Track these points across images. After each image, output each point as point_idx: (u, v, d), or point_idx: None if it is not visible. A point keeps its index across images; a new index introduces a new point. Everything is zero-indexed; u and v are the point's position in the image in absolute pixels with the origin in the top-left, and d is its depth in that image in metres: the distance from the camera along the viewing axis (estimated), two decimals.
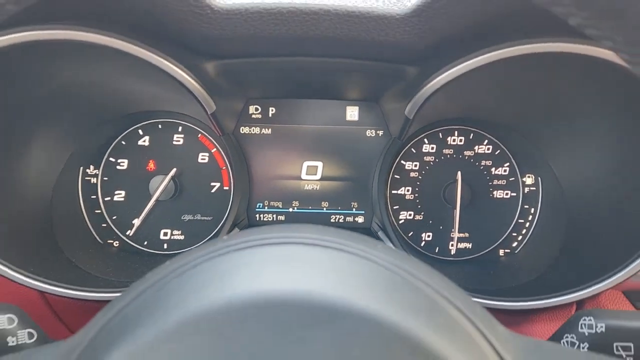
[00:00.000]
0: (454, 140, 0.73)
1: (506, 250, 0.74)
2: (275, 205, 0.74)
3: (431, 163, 0.73)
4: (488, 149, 0.73)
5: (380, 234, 0.71)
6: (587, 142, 0.65)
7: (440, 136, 0.73)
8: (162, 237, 0.73)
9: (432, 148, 0.73)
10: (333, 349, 0.25)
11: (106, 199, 0.73)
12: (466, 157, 0.73)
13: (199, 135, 0.72)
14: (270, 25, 0.50)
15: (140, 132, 0.72)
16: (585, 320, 0.49)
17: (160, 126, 0.72)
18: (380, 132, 0.73)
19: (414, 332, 0.25)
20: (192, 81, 0.55)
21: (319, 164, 0.74)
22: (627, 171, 0.59)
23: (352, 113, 0.73)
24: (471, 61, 0.53)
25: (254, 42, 0.54)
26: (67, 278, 0.59)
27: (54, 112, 0.63)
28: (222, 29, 0.49)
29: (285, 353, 0.24)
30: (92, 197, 0.73)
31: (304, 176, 0.74)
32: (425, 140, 0.73)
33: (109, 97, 0.65)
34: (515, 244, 0.74)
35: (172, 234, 0.73)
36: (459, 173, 0.72)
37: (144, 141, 0.72)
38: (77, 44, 0.49)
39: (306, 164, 0.74)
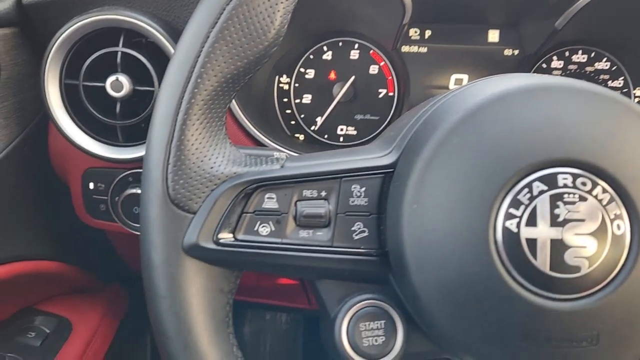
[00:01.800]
0: (577, 58, 0.90)
1: None
2: None
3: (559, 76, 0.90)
4: (606, 65, 0.90)
5: None
6: None
7: (567, 54, 0.90)
8: (338, 132, 0.93)
9: (560, 64, 0.90)
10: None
11: (296, 101, 0.93)
12: (587, 72, 0.90)
13: (371, 51, 0.92)
14: None
15: (325, 48, 0.92)
16: None
17: (340, 44, 0.92)
18: (516, 52, 0.90)
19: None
20: None
21: (465, 77, 0.92)
22: None
23: (494, 35, 0.91)
24: None
25: None
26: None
27: None
28: None
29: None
30: (284, 100, 0.93)
31: (451, 86, 0.92)
32: (554, 57, 0.90)
33: (316, 17, 0.85)
34: None
35: (347, 130, 0.93)
36: None
37: (328, 55, 0.92)
38: None
39: (454, 76, 0.92)
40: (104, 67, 0.74)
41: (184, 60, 0.44)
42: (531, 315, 0.41)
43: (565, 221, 0.40)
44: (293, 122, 0.93)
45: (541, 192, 0.41)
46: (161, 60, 0.74)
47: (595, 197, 0.41)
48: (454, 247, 0.41)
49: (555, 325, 0.41)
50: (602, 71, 0.90)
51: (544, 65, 0.91)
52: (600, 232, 0.40)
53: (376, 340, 0.46)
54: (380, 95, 0.92)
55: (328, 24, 0.89)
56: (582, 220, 0.40)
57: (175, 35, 0.73)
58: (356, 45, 0.92)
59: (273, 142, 0.78)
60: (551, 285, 0.40)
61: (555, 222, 0.40)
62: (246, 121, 0.76)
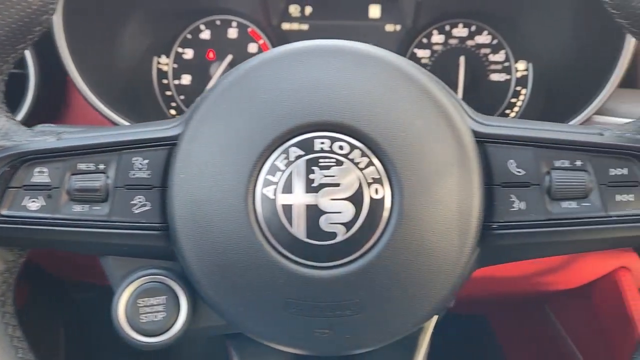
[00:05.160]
0: (458, 32, 0.89)
1: None
2: None
3: (439, 51, 0.89)
4: (487, 39, 0.88)
5: None
6: (562, 27, 0.81)
7: (447, 28, 0.88)
8: None
9: (441, 39, 0.89)
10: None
11: (175, 82, 0.91)
12: (468, 46, 0.88)
13: (249, 29, 0.89)
14: None
15: (202, 27, 0.90)
16: None
17: (218, 22, 0.89)
18: (398, 27, 0.89)
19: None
20: None
21: None
22: (589, 43, 0.76)
23: (375, 11, 0.89)
24: None
25: None
26: None
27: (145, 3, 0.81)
28: None
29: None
30: (164, 81, 0.91)
31: None
32: (435, 32, 0.89)
33: None
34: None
35: None
36: (462, 59, 0.87)
37: (206, 34, 0.90)
38: None
39: None
40: None
41: None
42: (293, 285, 0.39)
43: (321, 186, 0.39)
44: (174, 104, 0.91)
45: (297, 157, 0.39)
46: None
47: (352, 160, 0.39)
48: (217, 218, 0.40)
49: (317, 294, 0.39)
50: (483, 45, 0.88)
51: (425, 40, 0.89)
52: (356, 197, 0.39)
53: (156, 317, 0.44)
54: None
55: (202, 1, 0.87)
56: (338, 185, 0.39)
57: None
58: (234, 23, 0.89)
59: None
60: (310, 253, 0.39)
61: (310, 187, 0.39)
62: (101, 105, 0.73)
